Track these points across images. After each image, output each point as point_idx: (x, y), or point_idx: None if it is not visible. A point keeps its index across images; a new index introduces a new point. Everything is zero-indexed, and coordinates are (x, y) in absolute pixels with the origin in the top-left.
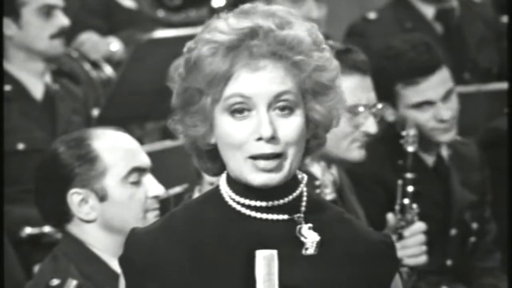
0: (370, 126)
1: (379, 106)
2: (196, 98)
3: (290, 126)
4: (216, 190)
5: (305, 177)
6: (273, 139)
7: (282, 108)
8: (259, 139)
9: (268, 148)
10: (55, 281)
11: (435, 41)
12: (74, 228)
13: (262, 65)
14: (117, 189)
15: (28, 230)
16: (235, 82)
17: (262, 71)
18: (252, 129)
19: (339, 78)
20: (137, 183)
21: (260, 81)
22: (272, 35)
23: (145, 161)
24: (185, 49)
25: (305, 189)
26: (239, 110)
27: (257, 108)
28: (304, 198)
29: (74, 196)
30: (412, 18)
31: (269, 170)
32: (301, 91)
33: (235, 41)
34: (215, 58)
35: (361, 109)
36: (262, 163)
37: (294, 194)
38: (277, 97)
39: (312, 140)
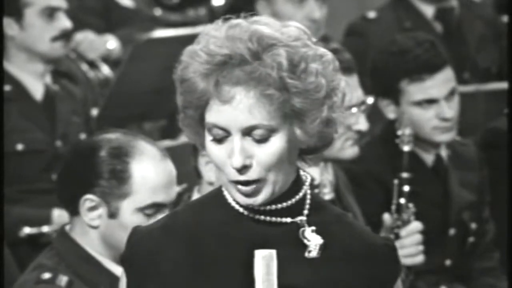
0: (362, 124)
1: (369, 101)
2: (184, 113)
3: (266, 153)
4: (219, 191)
5: (309, 177)
6: (246, 167)
7: (257, 137)
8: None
9: (242, 177)
10: (47, 275)
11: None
12: (78, 225)
13: (230, 96)
14: (129, 215)
15: (26, 230)
16: (210, 111)
17: (229, 103)
18: (228, 153)
19: (328, 97)
20: (150, 216)
21: (229, 113)
22: (241, 67)
23: (170, 197)
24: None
25: (309, 191)
26: (217, 136)
27: (233, 135)
28: (308, 201)
29: (87, 202)
30: (412, 18)
31: (249, 194)
32: (280, 113)
33: (208, 69)
34: (191, 83)
35: (354, 110)
36: (241, 188)
37: (297, 197)
38: (248, 129)
39: (312, 145)
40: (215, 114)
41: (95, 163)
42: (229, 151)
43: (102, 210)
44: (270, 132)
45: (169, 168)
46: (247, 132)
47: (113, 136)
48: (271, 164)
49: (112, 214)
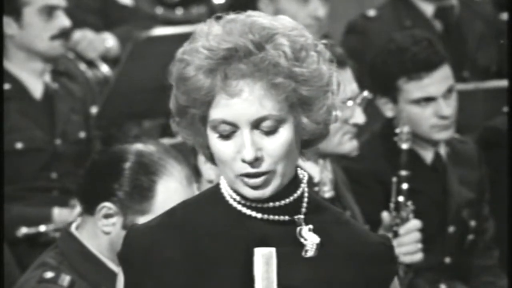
0: (358, 117)
1: (364, 94)
2: (185, 113)
3: (275, 144)
4: (217, 188)
5: (306, 175)
6: (257, 160)
7: (266, 128)
8: (244, 160)
9: (253, 169)
10: (49, 274)
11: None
12: (88, 225)
13: (239, 89)
14: None
15: (24, 230)
16: (217, 107)
17: (238, 96)
18: (237, 148)
19: (330, 85)
20: None
21: (238, 106)
22: (247, 59)
23: None
24: (176, 55)
25: (306, 189)
26: (224, 132)
27: (241, 129)
28: (305, 199)
29: (104, 209)
30: (412, 16)
31: (258, 187)
32: (288, 103)
33: (212, 64)
34: (195, 81)
35: (349, 103)
36: (250, 181)
37: (295, 195)
38: (257, 121)
39: (312, 137)
40: (223, 109)
41: (120, 174)
42: (238, 146)
43: (117, 219)
44: (278, 123)
45: (193, 191)
46: (255, 124)
47: (146, 149)
48: (281, 155)
49: (126, 226)
